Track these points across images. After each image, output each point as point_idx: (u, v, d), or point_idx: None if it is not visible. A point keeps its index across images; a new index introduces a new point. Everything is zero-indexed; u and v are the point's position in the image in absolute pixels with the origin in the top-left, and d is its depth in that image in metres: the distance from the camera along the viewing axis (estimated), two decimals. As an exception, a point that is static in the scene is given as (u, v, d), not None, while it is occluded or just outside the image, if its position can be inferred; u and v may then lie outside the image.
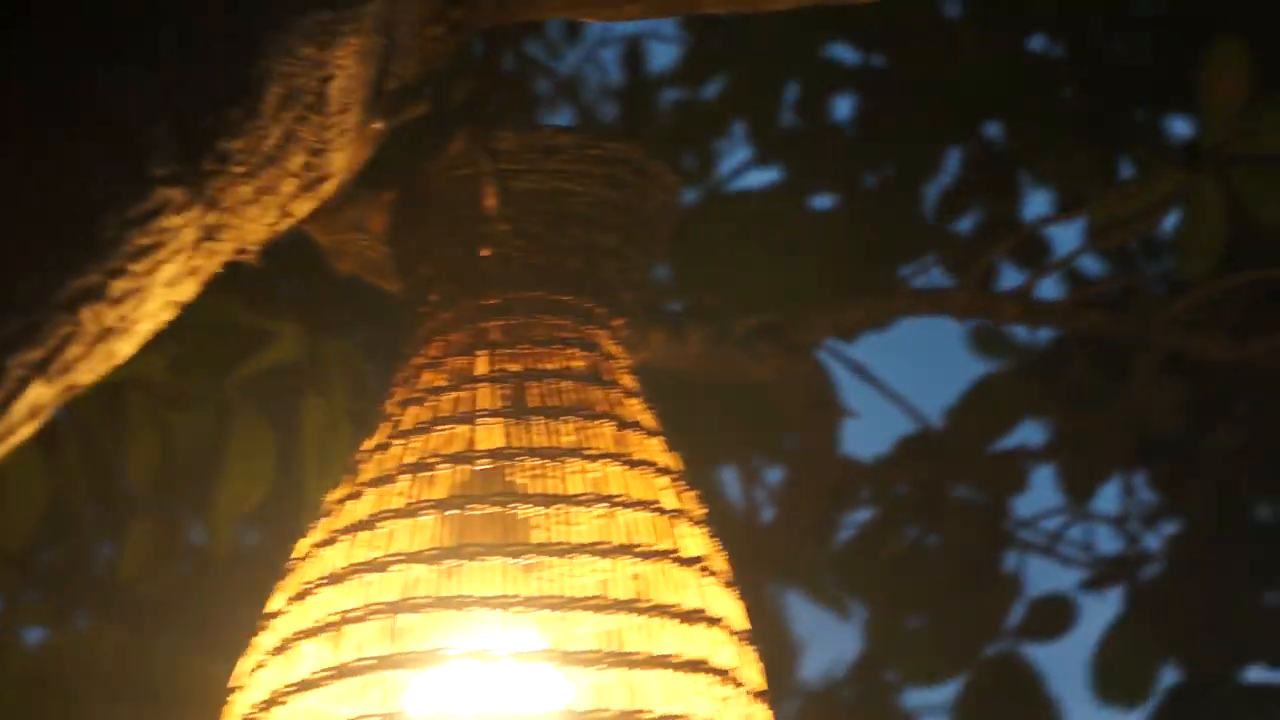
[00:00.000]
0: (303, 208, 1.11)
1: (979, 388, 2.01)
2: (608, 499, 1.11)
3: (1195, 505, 2.09)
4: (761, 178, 2.07)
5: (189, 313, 1.08)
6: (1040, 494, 2.08)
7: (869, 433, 2.06)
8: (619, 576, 1.11)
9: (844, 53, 2.12)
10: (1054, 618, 2.10)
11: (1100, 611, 2.07)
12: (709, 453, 2.00)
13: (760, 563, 2.05)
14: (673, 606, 1.09)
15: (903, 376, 1.98)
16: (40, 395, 0.94)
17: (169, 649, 1.73)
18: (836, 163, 2.10)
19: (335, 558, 1.14)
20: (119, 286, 0.97)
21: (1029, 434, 2.04)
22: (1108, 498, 2.06)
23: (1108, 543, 2.07)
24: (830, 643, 2.30)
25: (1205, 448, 2.06)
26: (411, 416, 1.18)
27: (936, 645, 2.11)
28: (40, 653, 1.66)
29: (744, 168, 2.10)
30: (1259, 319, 1.75)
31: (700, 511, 1.15)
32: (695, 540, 1.12)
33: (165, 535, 1.52)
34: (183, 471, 1.44)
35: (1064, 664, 2.12)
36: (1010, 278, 1.98)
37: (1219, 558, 2.04)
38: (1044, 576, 2.10)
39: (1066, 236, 1.95)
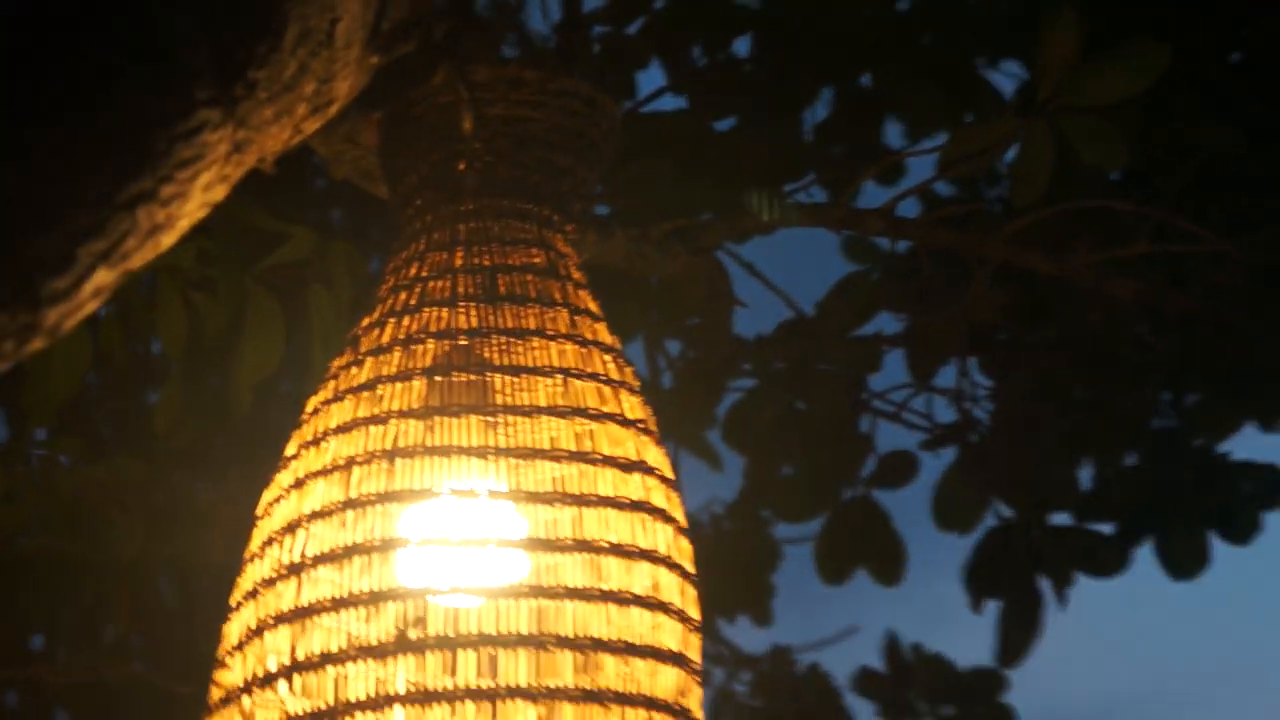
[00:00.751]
0: (312, 126, 1.14)
1: (844, 284, 1.99)
2: (564, 371, 1.14)
3: (1015, 385, 2.08)
4: (674, 103, 2.02)
5: (215, 213, 1.10)
6: (891, 372, 2.07)
7: (754, 317, 2.05)
8: (573, 433, 1.14)
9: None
10: (899, 470, 2.11)
11: (936, 467, 2.09)
12: (623, 329, 2.02)
13: (662, 420, 2.08)
14: (618, 458, 1.13)
15: (784, 273, 1.96)
16: (103, 279, 0.97)
17: (188, 482, 1.71)
18: (735, 94, 2.06)
19: (341, 412, 1.16)
20: (167, 190, 0.99)
21: (884, 323, 2.03)
22: (946, 376, 2.05)
23: (944, 413, 2.07)
24: (709, 486, 2.33)
25: (1025, 340, 2.04)
26: (402, 300, 1.20)
27: (804, 489, 2.10)
28: (75, 478, 1.63)
29: (659, 94, 2.04)
30: (1074, 240, 1.76)
31: (636, 383, 1.18)
32: (634, 406, 1.16)
33: (193, 396, 1.49)
34: (208, 344, 1.42)
35: (907, 507, 2.13)
36: (874, 196, 1.95)
37: (1032, 428, 2.05)
38: (892, 437, 2.10)
39: (922, 165, 1.96)
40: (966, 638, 2.23)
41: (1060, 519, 2.11)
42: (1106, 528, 2.11)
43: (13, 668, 1.68)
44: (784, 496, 2.11)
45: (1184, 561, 2.07)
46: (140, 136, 0.99)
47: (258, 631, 1.13)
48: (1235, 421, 2.09)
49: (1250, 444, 2.14)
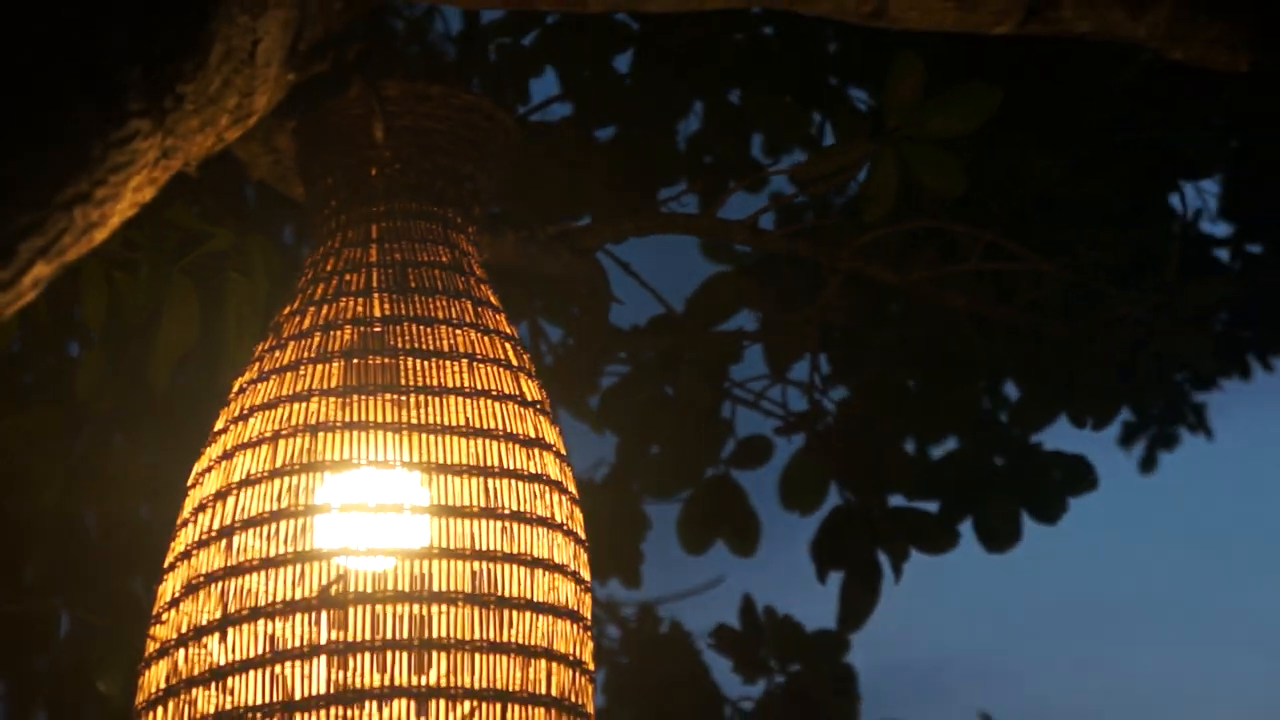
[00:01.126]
0: (234, 135, 1.14)
1: (710, 283, 2.00)
2: (469, 356, 1.16)
3: (859, 380, 2.11)
4: (561, 111, 2.02)
5: (143, 211, 1.08)
6: (750, 364, 2.09)
7: (629, 311, 2.02)
8: (480, 413, 1.14)
9: (626, 20, 2.06)
10: (756, 453, 2.12)
11: (788, 451, 2.08)
12: (514, 316, 1.99)
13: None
14: (518, 435, 1.14)
15: (656, 272, 1.96)
16: (41, 271, 0.97)
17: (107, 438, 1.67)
18: (616, 104, 2.07)
19: (266, 390, 1.17)
20: (101, 192, 1.00)
21: (745, 320, 2.04)
22: (799, 370, 2.05)
23: (797, 402, 2.07)
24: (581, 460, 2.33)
25: (869, 341, 2.07)
26: (320, 291, 1.21)
27: (670, 467, 2.10)
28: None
29: (550, 102, 2.04)
30: (915, 254, 1.81)
31: (534, 368, 1.20)
32: (532, 389, 1.17)
33: (113, 366, 1.48)
34: (128, 321, 1.40)
35: (762, 486, 2.12)
36: (740, 201, 1.97)
37: (872, 418, 2.07)
38: (750, 423, 2.11)
39: (782, 179, 1.99)
40: (814, 604, 2.22)
41: (896, 500, 2.10)
42: (933, 506, 2.11)
43: None
44: (652, 473, 2.11)
45: (999, 537, 2.10)
46: (77, 143, 1.00)
47: (191, 590, 1.13)
48: (1049, 417, 2.14)
49: (1061, 437, 2.17)
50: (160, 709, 1.12)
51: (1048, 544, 2.21)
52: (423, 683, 1.08)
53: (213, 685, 1.10)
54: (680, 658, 2.33)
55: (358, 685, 1.07)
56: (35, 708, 1.76)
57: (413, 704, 1.07)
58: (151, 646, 1.15)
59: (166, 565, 1.17)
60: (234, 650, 1.10)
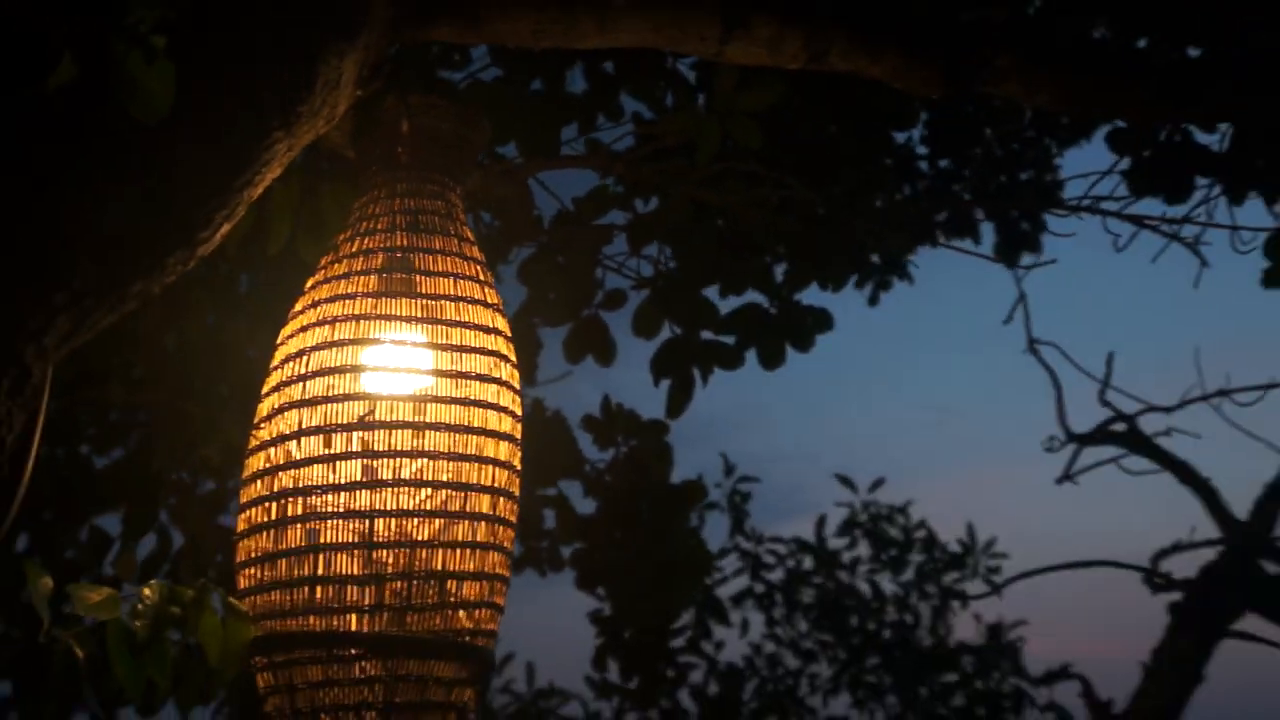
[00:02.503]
0: (326, 130, 1.24)
1: (593, 192, 2.05)
2: (455, 275, 1.28)
3: (687, 255, 2.07)
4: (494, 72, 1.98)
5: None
6: (618, 244, 2.06)
7: (544, 210, 2.06)
8: (461, 310, 1.28)
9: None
10: (616, 300, 2.11)
11: (638, 300, 2.07)
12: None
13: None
14: (484, 325, 1.28)
15: (561, 185, 2.02)
16: (225, 229, 1.12)
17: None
18: (530, 70, 2.00)
19: (330, 289, 1.30)
20: (257, 178, 1.15)
21: (615, 217, 2.06)
22: (649, 249, 2.07)
23: (646, 269, 2.07)
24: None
25: (696, 231, 2.06)
26: (363, 226, 1.32)
27: (560, 308, 2.08)
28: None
29: (486, 67, 1.99)
30: (731, 183, 1.89)
31: (491, 279, 1.31)
32: (492, 294, 1.29)
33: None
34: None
35: (619, 323, 2.11)
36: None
37: (695, 281, 2.09)
38: (614, 281, 2.08)
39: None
40: (649, 401, 2.26)
41: (706, 335, 2.11)
42: (730, 339, 2.12)
43: (89, 391, 1.66)
44: (549, 311, 2.10)
45: (772, 360, 2.14)
46: (245, 151, 1.14)
47: (278, 411, 1.28)
48: (806, 282, 2.22)
49: (815, 296, 2.23)
50: (258, 482, 1.27)
51: (803, 360, 2.29)
52: (413, 474, 1.22)
53: (291, 471, 1.25)
54: (559, 434, 2.39)
55: (380, 477, 1.22)
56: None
57: (405, 492, 1.20)
58: (253, 443, 1.29)
59: (264, 392, 1.30)
60: (304, 450, 1.25)
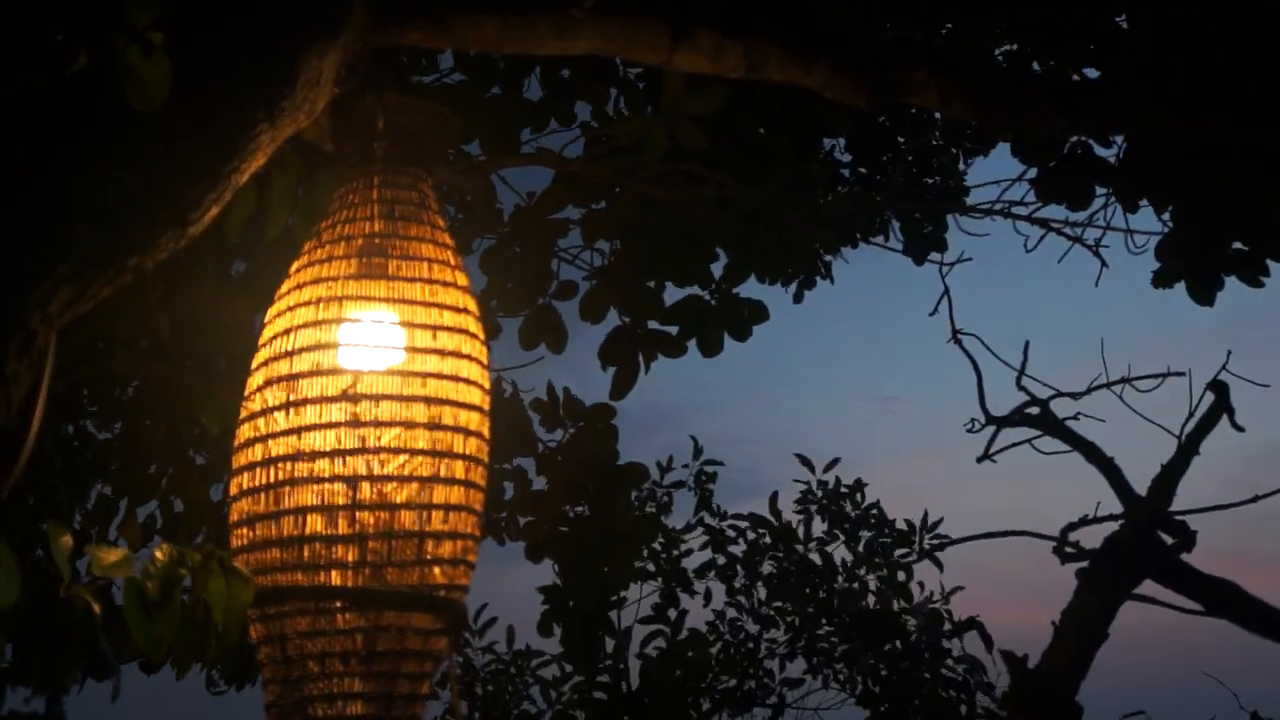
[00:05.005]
0: (306, 123, 1.24)
1: (552, 186, 2.06)
2: (428, 259, 1.28)
3: (632, 248, 2.13)
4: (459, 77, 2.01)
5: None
6: (572, 237, 2.14)
7: (505, 204, 2.09)
8: (433, 291, 1.28)
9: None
10: (568, 290, 2.15)
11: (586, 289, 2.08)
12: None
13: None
14: (454, 305, 1.28)
15: (520, 181, 2.07)
16: (213, 211, 1.12)
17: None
18: (491, 74, 2.05)
19: (313, 272, 1.29)
20: (242, 166, 1.15)
21: (570, 212, 2.07)
22: (601, 244, 2.12)
23: (597, 260, 2.11)
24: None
25: (642, 225, 2.08)
26: (343, 214, 1.32)
27: (517, 296, 2.09)
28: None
29: (452, 71, 2.03)
30: (677, 181, 1.93)
31: (461, 262, 1.31)
32: (461, 276, 1.29)
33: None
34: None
35: (569, 312, 2.13)
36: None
37: (642, 273, 2.14)
38: (567, 272, 2.21)
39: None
40: (594, 386, 2.33)
41: (652, 324, 2.15)
42: (674, 329, 2.18)
43: (90, 366, 1.65)
44: (506, 299, 2.12)
45: (712, 349, 2.19)
46: (230, 142, 1.15)
47: (268, 383, 1.27)
48: (745, 276, 2.25)
49: (752, 289, 2.37)
50: (249, 449, 1.26)
51: (740, 348, 2.32)
52: (392, 441, 1.22)
53: (280, 439, 1.24)
54: (513, 413, 2.36)
55: (370, 444, 1.21)
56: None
57: (384, 458, 1.19)
58: (243, 414, 1.28)
59: (254, 366, 1.29)
60: (290, 420, 1.24)
